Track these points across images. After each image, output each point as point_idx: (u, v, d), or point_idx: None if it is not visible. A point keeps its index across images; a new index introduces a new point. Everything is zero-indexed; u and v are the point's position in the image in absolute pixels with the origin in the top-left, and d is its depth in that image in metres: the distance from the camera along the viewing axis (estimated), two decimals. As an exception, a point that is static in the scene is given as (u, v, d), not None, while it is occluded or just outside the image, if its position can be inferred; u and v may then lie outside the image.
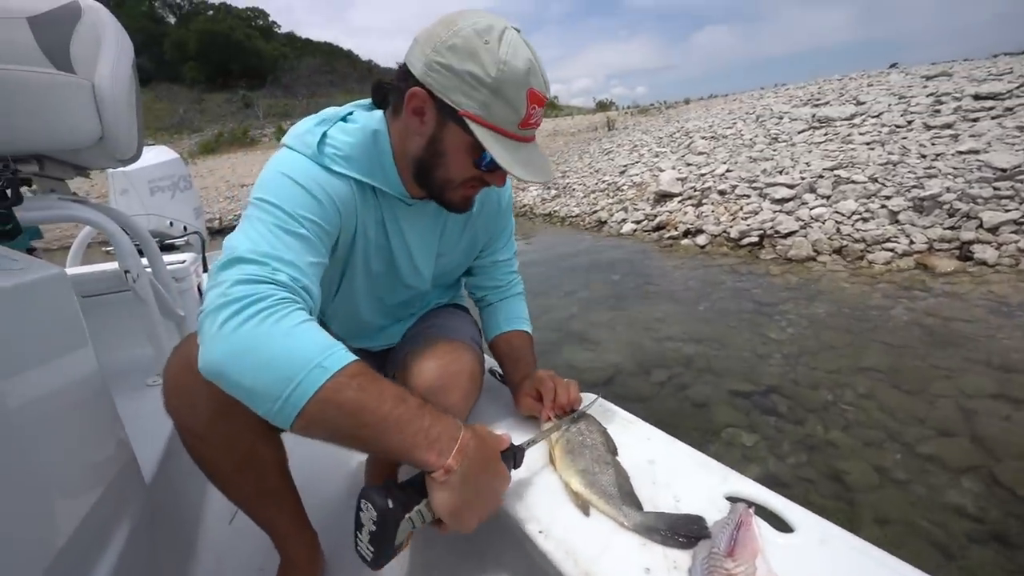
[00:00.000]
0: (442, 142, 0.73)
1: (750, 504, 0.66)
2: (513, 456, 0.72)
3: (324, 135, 0.76)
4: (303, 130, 0.78)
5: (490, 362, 1.27)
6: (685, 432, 2.11)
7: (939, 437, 1.95)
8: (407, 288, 0.96)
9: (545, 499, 0.75)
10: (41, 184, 1.29)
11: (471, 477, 0.63)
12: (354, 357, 0.61)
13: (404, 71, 0.73)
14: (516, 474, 0.76)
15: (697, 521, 0.65)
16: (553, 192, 10.29)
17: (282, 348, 0.58)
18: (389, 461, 1.12)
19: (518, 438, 0.79)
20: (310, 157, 0.75)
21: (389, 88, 0.78)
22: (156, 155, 3.53)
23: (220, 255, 0.66)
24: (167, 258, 1.91)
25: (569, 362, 2.96)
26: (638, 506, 0.69)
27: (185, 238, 3.03)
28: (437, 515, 0.63)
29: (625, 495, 0.70)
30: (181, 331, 1.69)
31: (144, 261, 1.47)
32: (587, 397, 1.00)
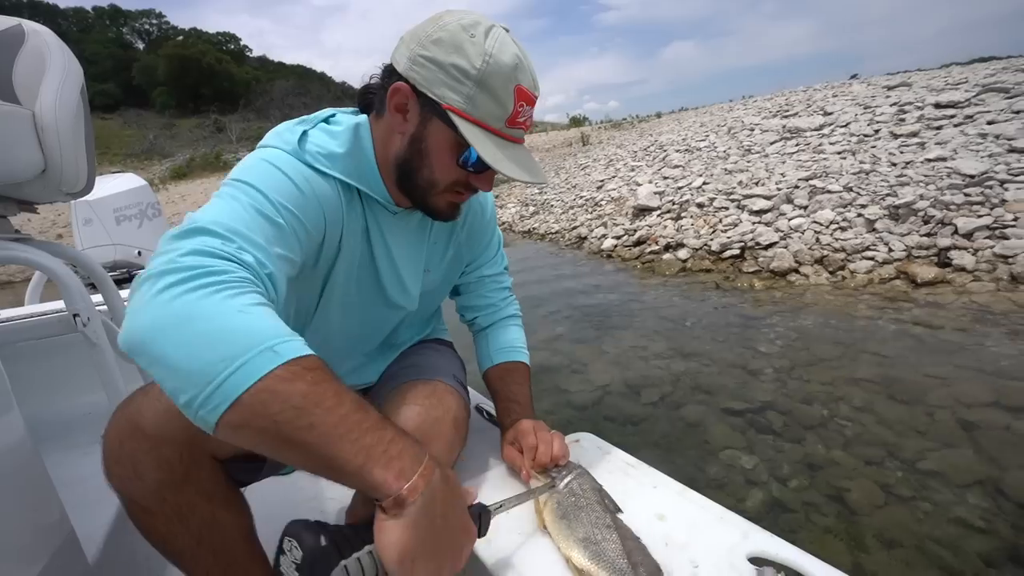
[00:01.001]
0: (425, 140, 0.68)
1: (779, 568, 0.59)
2: (478, 517, 0.59)
3: (304, 134, 0.71)
4: (282, 129, 0.72)
5: (478, 397, 1.19)
6: (682, 455, 2.02)
7: (941, 449, 1.91)
8: (392, 310, 0.87)
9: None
10: (-25, 223, 1.18)
11: (432, 516, 0.50)
12: (313, 352, 0.50)
13: (389, 70, 0.69)
14: (502, 546, 0.67)
15: (725, 596, 0.56)
16: (532, 209, 10.30)
17: (229, 324, 0.47)
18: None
19: (506, 493, 0.70)
20: (291, 153, 0.68)
21: (374, 91, 0.73)
22: (121, 183, 3.39)
23: (176, 226, 0.55)
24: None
25: (556, 385, 2.88)
26: (655, 576, 0.60)
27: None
28: (382, 564, 0.48)
29: (636, 566, 0.61)
30: (144, 374, 1.57)
31: (100, 298, 1.36)
32: (578, 438, 0.92)
